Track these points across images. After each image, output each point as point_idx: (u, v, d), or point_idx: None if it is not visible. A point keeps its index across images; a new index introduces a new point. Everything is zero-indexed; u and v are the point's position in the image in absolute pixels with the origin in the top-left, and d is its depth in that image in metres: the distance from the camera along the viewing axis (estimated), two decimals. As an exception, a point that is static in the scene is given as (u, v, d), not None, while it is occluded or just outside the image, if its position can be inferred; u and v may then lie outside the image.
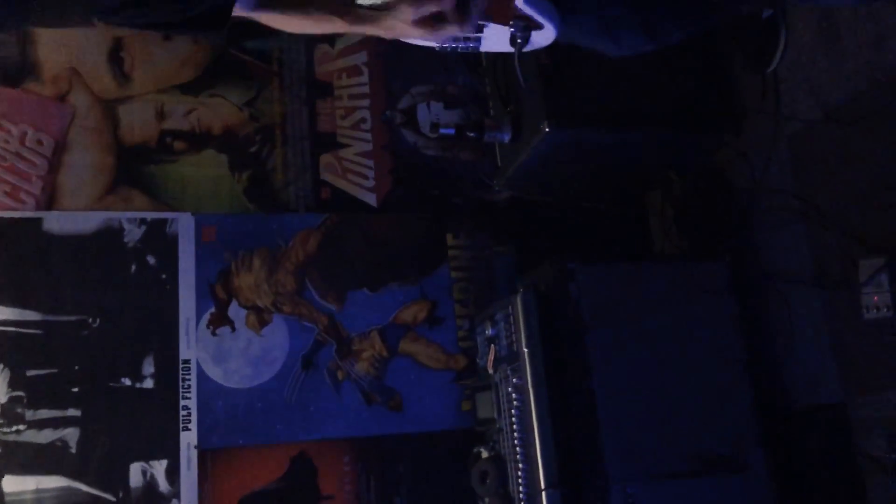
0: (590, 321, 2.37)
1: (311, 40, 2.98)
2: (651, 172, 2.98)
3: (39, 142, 2.65)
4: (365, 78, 3.04)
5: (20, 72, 2.68)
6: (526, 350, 2.34)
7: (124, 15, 1.50)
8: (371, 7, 1.56)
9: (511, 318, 2.42)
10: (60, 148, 2.67)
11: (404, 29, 1.50)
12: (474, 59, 2.93)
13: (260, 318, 2.72)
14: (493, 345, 2.54)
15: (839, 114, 2.31)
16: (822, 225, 2.38)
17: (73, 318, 2.57)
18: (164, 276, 2.67)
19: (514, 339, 2.40)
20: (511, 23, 1.60)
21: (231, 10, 1.57)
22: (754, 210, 2.66)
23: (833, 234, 2.33)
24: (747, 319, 2.54)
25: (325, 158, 2.95)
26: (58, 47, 2.72)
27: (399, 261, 2.91)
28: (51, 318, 2.55)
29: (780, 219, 2.57)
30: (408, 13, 1.46)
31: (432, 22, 1.49)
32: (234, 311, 2.72)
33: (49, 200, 2.66)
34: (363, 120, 3.00)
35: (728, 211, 2.78)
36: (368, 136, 3.00)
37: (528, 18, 1.59)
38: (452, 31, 1.49)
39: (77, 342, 2.57)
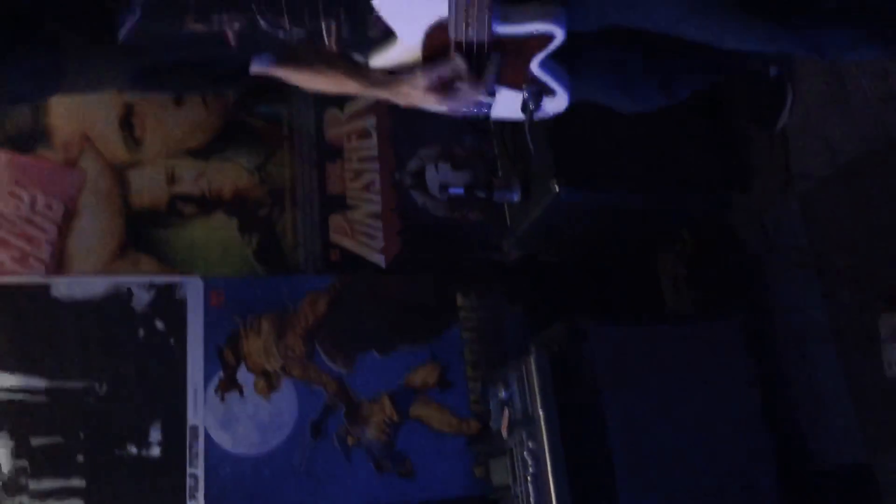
0: (605, 383, 2.32)
1: (321, 104, 3.01)
2: (662, 231, 2.97)
3: (49, 207, 2.65)
4: (374, 141, 3.06)
5: (32, 138, 2.70)
6: (542, 413, 2.29)
7: (142, 83, 1.52)
8: (386, 72, 1.57)
9: (525, 380, 2.37)
10: (70, 213, 2.68)
11: (419, 96, 1.51)
12: (481, 120, 2.95)
13: (269, 382, 2.68)
14: (506, 408, 2.49)
15: (851, 170, 2.31)
16: (838, 281, 2.35)
17: (79, 384, 2.54)
18: (172, 340, 2.64)
19: (528, 401, 2.35)
20: (524, 87, 1.60)
21: (243, 71, 1.59)
22: (768, 268, 2.64)
23: (850, 290, 2.30)
24: (765, 378, 2.49)
25: (335, 220, 2.95)
26: (70, 114, 2.75)
27: (408, 322, 2.88)
28: (57, 385, 2.52)
29: (794, 276, 2.54)
30: (423, 80, 1.47)
31: (447, 89, 1.50)
32: (243, 375, 2.68)
33: (58, 265, 2.65)
34: (372, 182, 3.01)
35: (741, 269, 2.75)
36: (377, 197, 3.00)
37: (542, 84, 1.58)
38: (467, 98, 1.49)
39: (83, 409, 2.53)
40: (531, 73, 1.56)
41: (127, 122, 2.80)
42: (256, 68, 1.60)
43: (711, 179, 2.69)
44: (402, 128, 3.08)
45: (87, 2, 1.09)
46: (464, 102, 1.53)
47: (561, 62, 1.57)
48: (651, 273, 3.09)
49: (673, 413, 2.35)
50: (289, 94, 1.60)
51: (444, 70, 1.46)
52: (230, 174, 2.84)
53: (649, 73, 1.75)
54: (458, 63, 1.45)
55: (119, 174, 2.77)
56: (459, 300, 2.96)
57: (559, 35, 1.46)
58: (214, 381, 2.65)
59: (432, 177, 3.03)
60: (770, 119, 2.62)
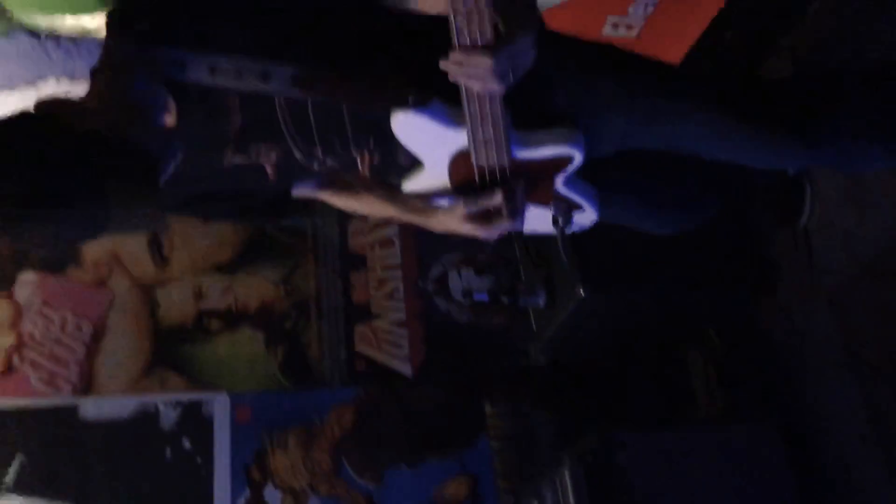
0: (641, 494, 2.26)
1: (345, 215, 3.05)
2: (690, 330, 2.94)
3: (78, 327, 2.68)
4: (397, 249, 3.09)
5: (63, 259, 2.75)
6: (577, 527, 2.22)
7: (188, 210, 1.57)
8: (420, 197, 1.60)
9: (559, 492, 2.31)
10: (99, 333, 2.70)
11: (455, 224, 1.53)
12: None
13: (296, 500, 2.62)
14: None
15: (877, 266, 2.29)
16: (875, 378, 2.31)
17: (106, 506, 2.50)
18: (199, 459, 2.61)
19: (564, 515, 2.29)
20: (552, 205, 1.62)
21: (285, 200, 1.63)
22: (800, 366, 2.60)
23: (888, 387, 2.25)
24: (802, 481, 2.42)
25: (360, 330, 2.95)
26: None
27: (437, 433, 2.84)
28: (83, 507, 2.48)
29: (828, 374, 2.50)
30: (460, 210, 1.49)
31: (483, 218, 1.51)
32: (270, 493, 2.63)
33: (86, 385, 2.65)
34: (396, 290, 3.03)
35: (772, 368, 2.71)
36: (401, 305, 3.01)
37: (569, 200, 1.61)
38: (503, 226, 1.51)
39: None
40: (557, 191, 1.59)
41: (155, 241, 2.85)
42: (298, 192, 1.64)
43: (736, 278, 2.69)
44: (425, 235, 3.10)
45: (131, 151, 1.12)
46: (500, 230, 1.54)
47: (587, 179, 1.60)
48: (681, 373, 3.04)
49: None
50: (312, 205, 1.63)
51: (483, 204, 1.48)
52: (256, 288, 2.87)
53: (674, 194, 1.77)
54: (497, 198, 1.47)
55: (147, 292, 2.80)
56: (488, 409, 2.92)
57: (578, 157, 1.49)
58: (241, 500, 2.60)
59: (455, 283, 3.04)
60: (791, 217, 2.63)
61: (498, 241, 2.69)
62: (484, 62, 1.22)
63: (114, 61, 1.28)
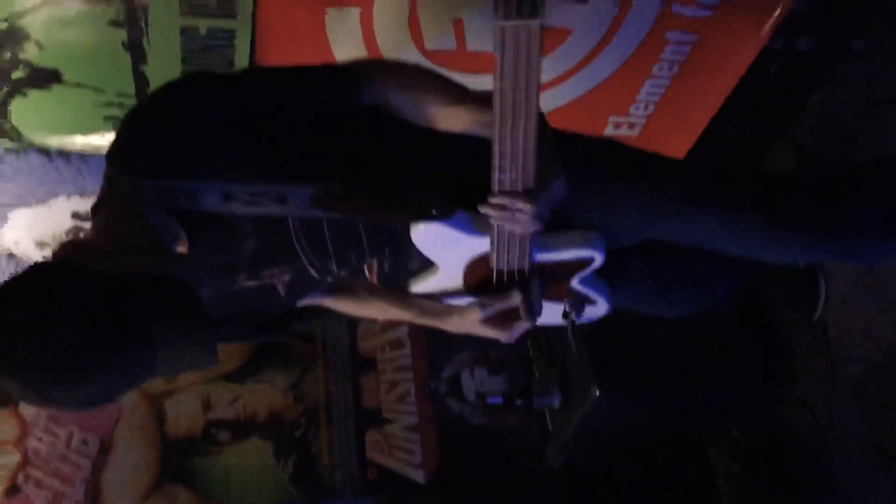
0: None
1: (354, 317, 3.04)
2: (710, 428, 2.87)
3: (85, 443, 2.63)
4: (407, 350, 3.05)
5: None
6: None
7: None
8: (430, 299, 1.58)
9: None
10: (105, 447, 2.64)
11: (472, 327, 1.51)
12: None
13: None
14: None
15: (897, 355, 2.25)
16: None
17: None
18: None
19: None
20: (565, 300, 1.61)
21: (292, 314, 1.60)
22: (825, 461, 2.52)
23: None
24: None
25: (371, 436, 2.89)
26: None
27: (454, 541, 2.74)
28: None
29: (855, 468, 2.41)
30: (476, 313, 1.48)
31: (501, 319, 1.50)
32: None
33: (94, 501, 2.58)
34: (407, 392, 2.97)
35: (797, 463, 2.62)
36: (414, 408, 2.95)
37: (583, 296, 1.59)
38: (522, 327, 1.49)
39: None
40: (572, 288, 1.57)
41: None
42: (305, 301, 1.62)
43: (754, 372, 2.64)
44: (435, 335, 3.07)
45: (171, 290, 1.09)
46: (519, 332, 1.52)
47: (600, 273, 1.58)
48: (704, 473, 2.95)
49: None
50: (321, 309, 1.61)
51: (501, 306, 1.47)
52: (265, 396, 2.82)
53: (685, 278, 1.76)
54: (516, 299, 1.46)
55: (155, 404, 2.76)
56: (505, 514, 2.83)
57: (598, 259, 1.48)
58: None
59: (468, 383, 2.99)
60: (806, 306, 2.60)
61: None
62: (527, 209, 1.24)
63: (116, 194, 1.25)
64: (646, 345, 2.53)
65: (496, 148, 1.19)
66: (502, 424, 2.92)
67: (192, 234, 1.29)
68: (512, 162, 1.20)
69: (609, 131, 2.45)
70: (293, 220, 1.35)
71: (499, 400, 2.67)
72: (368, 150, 1.37)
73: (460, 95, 1.36)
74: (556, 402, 2.66)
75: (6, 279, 1.09)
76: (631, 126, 2.45)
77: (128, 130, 1.27)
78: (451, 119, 1.35)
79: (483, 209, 1.28)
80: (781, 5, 2.16)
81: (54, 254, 1.15)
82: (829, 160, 2.51)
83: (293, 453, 2.77)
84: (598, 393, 2.45)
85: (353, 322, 3.06)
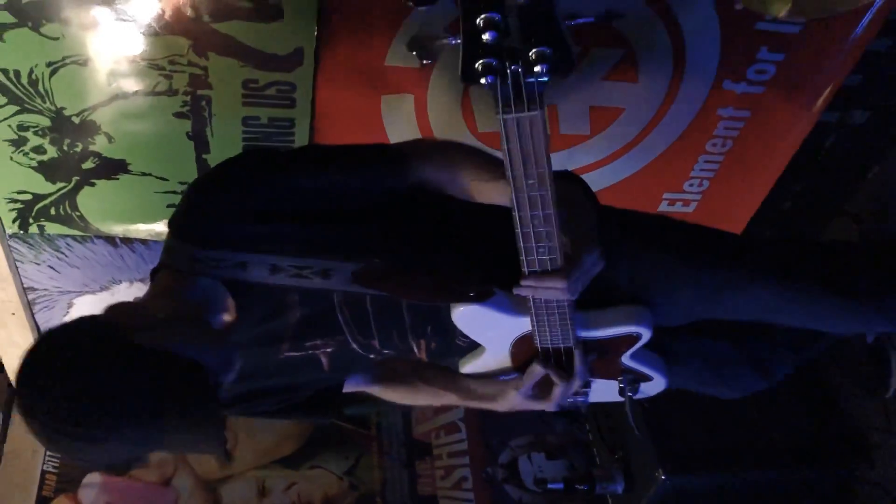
0: None
1: (408, 402, 3.00)
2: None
3: (142, 530, 2.61)
4: (463, 434, 3.00)
5: (129, 463, 2.72)
6: None
7: (235, 409, 1.54)
8: (481, 380, 1.57)
9: None
10: (162, 535, 2.62)
11: (517, 402, 1.51)
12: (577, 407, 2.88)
13: None
14: None
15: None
16: None
17: None
18: None
19: None
20: (619, 378, 1.58)
21: (337, 393, 1.59)
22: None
23: None
24: None
25: (428, 523, 2.82)
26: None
27: None
28: None
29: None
30: (520, 393, 1.48)
31: (544, 391, 1.49)
32: None
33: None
34: (464, 479, 2.90)
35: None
36: (471, 495, 2.88)
37: (636, 372, 1.56)
38: (563, 393, 1.48)
39: None
40: (624, 365, 1.54)
41: (220, 436, 2.82)
42: (351, 387, 1.61)
43: (825, 454, 2.52)
44: (491, 418, 3.02)
45: (189, 368, 1.11)
46: (558, 400, 1.51)
47: (653, 350, 1.55)
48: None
49: None
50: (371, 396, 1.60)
51: (530, 381, 1.47)
52: (320, 482, 2.78)
53: (743, 358, 1.71)
54: (538, 372, 1.46)
55: (211, 490, 2.74)
56: None
57: (645, 335, 1.46)
58: None
59: (526, 469, 2.91)
60: (876, 385, 2.49)
61: (569, 423, 2.61)
62: (558, 285, 1.24)
63: (173, 261, 1.30)
64: (708, 421, 2.45)
65: (518, 231, 1.20)
66: (563, 510, 2.83)
67: (240, 303, 1.32)
68: (537, 243, 1.21)
69: (663, 208, 2.44)
70: (337, 295, 1.37)
71: (560, 486, 2.58)
72: (410, 228, 1.39)
73: (501, 170, 1.38)
74: (620, 488, 2.57)
75: (56, 325, 1.15)
76: (686, 203, 2.43)
77: (187, 201, 1.33)
78: (492, 193, 1.37)
79: (516, 291, 1.28)
80: (834, 80, 2.15)
81: (105, 311, 1.18)
82: (890, 233, 2.45)
83: (349, 541, 2.71)
84: (663, 477, 2.37)
85: (407, 407, 3.03)
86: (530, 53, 0.98)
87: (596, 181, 2.30)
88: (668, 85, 2.10)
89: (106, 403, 1.04)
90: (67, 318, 2.49)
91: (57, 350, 1.10)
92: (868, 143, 2.49)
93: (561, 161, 2.21)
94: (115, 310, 1.19)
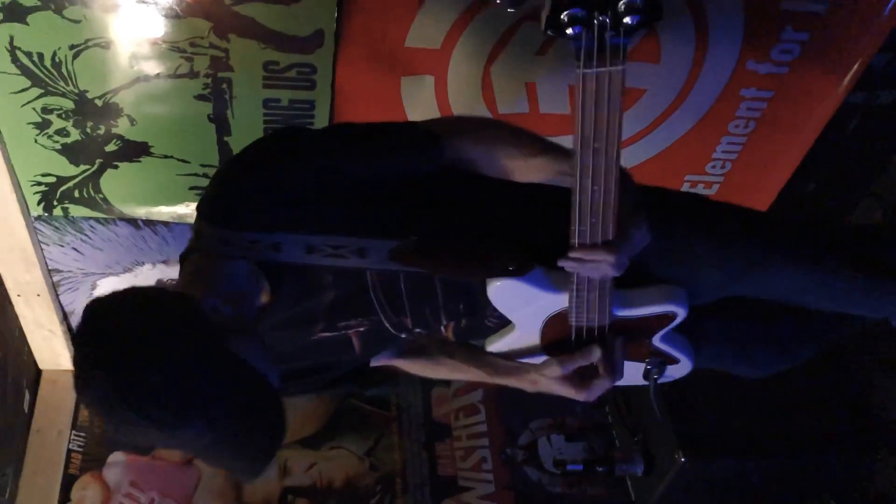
0: None
1: (428, 382, 3.01)
2: (803, 496, 2.72)
3: (165, 508, 2.64)
4: (482, 416, 3.00)
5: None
6: None
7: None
8: (507, 358, 1.56)
9: None
10: (185, 514, 2.65)
11: (550, 384, 1.48)
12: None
13: None
14: None
15: None
16: None
17: None
18: None
19: None
20: (647, 359, 1.57)
21: (365, 370, 1.60)
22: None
23: None
24: None
25: (447, 502, 2.82)
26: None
27: None
28: None
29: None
30: (556, 370, 1.45)
31: (580, 378, 1.46)
32: None
33: (171, 569, 2.58)
34: (483, 460, 2.91)
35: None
36: (490, 476, 2.88)
37: (664, 354, 1.55)
38: (602, 386, 1.45)
39: None
40: (654, 346, 1.53)
41: (241, 416, 2.84)
42: (378, 361, 1.61)
43: (847, 438, 2.51)
44: (511, 400, 3.02)
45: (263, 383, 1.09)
46: (599, 391, 1.47)
47: (681, 331, 1.54)
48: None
49: None
50: (395, 375, 1.61)
51: (581, 362, 1.44)
52: (341, 462, 2.80)
53: (769, 337, 1.69)
54: (596, 354, 1.43)
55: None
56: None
57: (681, 314, 1.45)
58: None
59: (545, 450, 2.91)
60: (901, 369, 2.47)
61: (588, 405, 2.59)
62: (608, 258, 1.23)
63: (205, 245, 1.28)
64: (729, 405, 2.44)
65: (576, 198, 1.18)
66: (582, 493, 2.83)
67: (274, 285, 1.31)
68: (592, 213, 1.19)
69: (685, 190, 2.42)
70: (371, 274, 1.36)
71: (579, 467, 2.58)
72: (447, 205, 1.37)
73: (539, 146, 1.36)
74: (640, 470, 2.57)
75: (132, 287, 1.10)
76: (708, 185, 2.42)
77: (218, 184, 1.32)
78: (529, 171, 1.36)
79: (562, 262, 1.26)
80: (859, 60, 2.12)
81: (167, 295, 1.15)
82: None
83: (369, 521, 2.73)
84: (683, 460, 2.37)
85: (427, 388, 3.04)
86: (620, 4, 0.96)
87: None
88: (690, 65, 2.08)
89: (190, 396, 0.98)
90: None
91: (154, 322, 1.03)
92: (894, 125, 2.46)
93: (582, 143, 2.19)
94: (171, 296, 1.13)
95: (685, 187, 2.42)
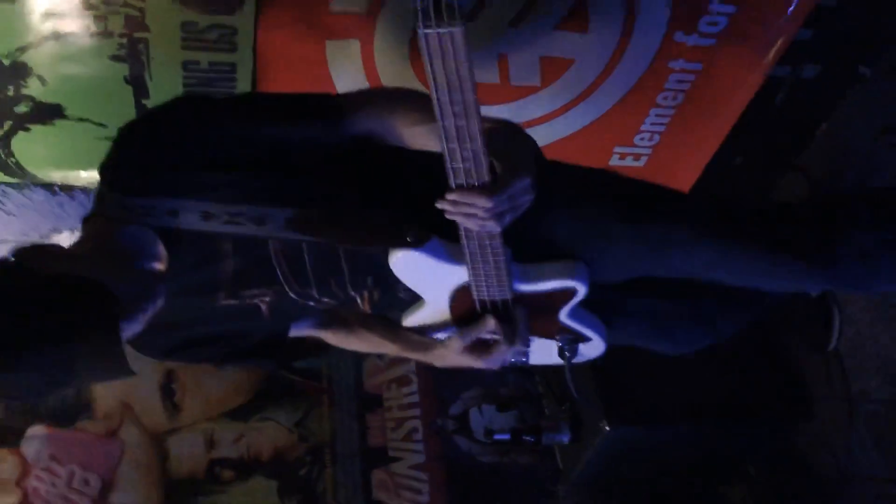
0: None
1: (360, 354, 2.99)
2: (725, 465, 2.79)
3: (86, 482, 2.58)
4: (414, 387, 3.01)
5: (74, 410, 2.69)
6: None
7: (177, 355, 1.52)
8: (420, 333, 1.56)
9: None
10: (107, 486, 2.60)
11: (455, 358, 1.50)
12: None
13: None
14: None
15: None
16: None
17: None
18: None
19: None
20: (557, 336, 1.58)
21: (283, 339, 1.58)
22: (843, 498, 2.44)
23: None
24: None
25: (377, 475, 2.83)
26: (113, 383, 2.76)
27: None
28: None
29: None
30: (458, 344, 1.47)
31: (481, 348, 1.49)
32: None
33: (93, 543, 2.54)
34: (414, 430, 2.92)
35: (815, 501, 2.54)
36: (420, 446, 2.90)
37: (575, 332, 1.56)
38: (501, 353, 1.47)
39: None
40: (562, 323, 1.54)
41: (167, 388, 2.80)
42: (296, 331, 1.60)
43: (768, 407, 2.58)
44: (443, 372, 3.02)
45: (101, 296, 1.08)
46: (500, 359, 1.50)
47: (593, 310, 1.55)
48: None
49: None
50: (326, 346, 1.60)
51: (477, 332, 1.46)
52: (269, 434, 2.78)
53: (688, 315, 1.71)
54: (490, 324, 1.45)
55: (158, 442, 2.72)
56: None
57: (581, 290, 1.46)
58: None
59: (477, 421, 2.93)
60: (820, 341, 2.54)
61: (520, 376, 2.61)
62: (481, 202, 1.21)
63: (104, 209, 1.28)
64: (656, 380, 2.48)
65: (445, 150, 1.17)
66: (512, 462, 2.86)
67: (172, 251, 1.30)
68: (464, 163, 1.18)
69: (614, 162, 2.43)
70: (273, 243, 1.35)
71: (507, 436, 2.61)
72: (350, 176, 1.37)
73: (429, 113, 1.36)
74: (566, 439, 2.61)
75: None
76: (636, 157, 2.43)
77: (118, 148, 1.31)
78: (417, 139, 1.36)
79: (440, 204, 1.25)
80: (785, 34, 2.14)
81: (14, 253, 1.14)
82: (840, 187, 2.47)
83: (298, 492, 2.72)
84: (608, 429, 2.40)
85: (359, 359, 3.03)
86: None
87: (547, 134, 2.28)
88: (618, 36, 2.08)
89: (7, 332, 1.00)
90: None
91: None
92: (818, 98, 2.50)
93: (512, 113, 2.18)
94: (26, 252, 1.15)
95: (614, 159, 2.43)
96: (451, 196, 1.23)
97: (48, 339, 1.02)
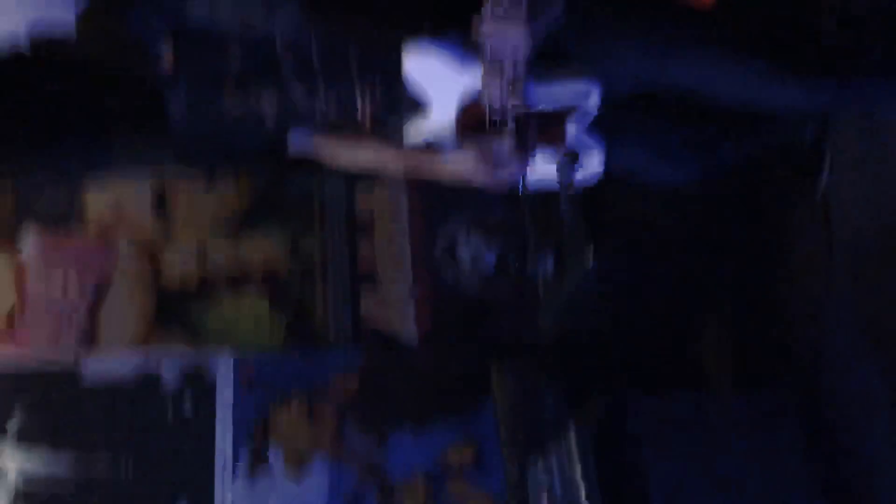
0: (651, 458, 2.20)
1: (352, 178, 3.01)
2: (703, 298, 2.88)
3: (81, 285, 2.65)
4: (404, 213, 3.04)
5: (67, 218, 2.72)
6: (584, 496, 2.17)
7: (194, 159, 1.54)
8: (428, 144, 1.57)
9: (565, 459, 2.27)
10: (102, 292, 2.67)
11: (465, 167, 1.50)
12: (515, 191, 2.92)
13: (298, 462, 2.59)
14: (546, 491, 2.37)
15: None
16: (894, 353, 2.24)
17: (105, 466, 2.48)
18: (201, 419, 2.58)
19: (570, 483, 2.23)
20: (559, 151, 1.58)
21: (281, 148, 1.59)
22: (818, 336, 2.53)
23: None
24: (816, 449, 2.36)
25: (365, 297, 2.91)
26: (104, 193, 2.78)
27: (442, 400, 2.80)
28: (83, 467, 2.46)
29: (847, 343, 2.43)
30: (469, 150, 1.47)
31: (488, 158, 1.48)
32: (273, 454, 2.60)
33: (88, 344, 2.63)
34: (403, 255, 2.98)
35: (789, 337, 2.64)
36: (408, 270, 2.97)
37: (576, 148, 1.57)
38: (511, 165, 1.48)
39: (109, 491, 2.46)
40: (567, 136, 1.54)
41: (160, 201, 2.82)
42: (296, 141, 1.60)
43: (750, 244, 2.63)
44: (433, 200, 3.06)
45: (136, 82, 1.07)
46: (507, 170, 1.50)
47: (597, 129, 1.56)
48: (695, 343, 2.98)
49: (722, 487, 2.23)
50: (319, 168, 1.61)
51: (487, 141, 1.45)
52: (261, 250, 2.83)
53: (688, 140, 1.72)
54: (501, 133, 1.44)
55: (151, 252, 2.77)
56: (494, 377, 2.87)
57: (592, 100, 1.46)
58: (243, 460, 2.57)
59: (463, 249, 2.99)
60: (809, 184, 2.56)
61: (508, 207, 2.60)
62: (519, 22, 1.19)
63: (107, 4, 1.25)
64: (641, 211, 2.51)
65: None
66: (496, 289, 2.94)
67: (178, 48, 1.28)
68: None
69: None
70: (281, 44, 1.33)
71: (492, 263, 2.66)
72: None
73: None
74: (550, 269, 2.66)
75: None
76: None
77: None
78: None
79: (476, 22, 1.23)
80: None
81: (33, 43, 1.14)
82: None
83: (288, 306, 2.80)
84: (591, 258, 2.45)
85: (350, 183, 3.04)
86: None
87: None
88: None
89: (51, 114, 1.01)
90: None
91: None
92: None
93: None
94: (45, 42, 1.14)
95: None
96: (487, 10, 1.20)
97: (89, 123, 1.02)
